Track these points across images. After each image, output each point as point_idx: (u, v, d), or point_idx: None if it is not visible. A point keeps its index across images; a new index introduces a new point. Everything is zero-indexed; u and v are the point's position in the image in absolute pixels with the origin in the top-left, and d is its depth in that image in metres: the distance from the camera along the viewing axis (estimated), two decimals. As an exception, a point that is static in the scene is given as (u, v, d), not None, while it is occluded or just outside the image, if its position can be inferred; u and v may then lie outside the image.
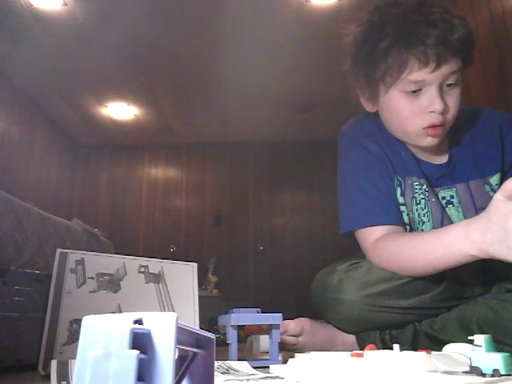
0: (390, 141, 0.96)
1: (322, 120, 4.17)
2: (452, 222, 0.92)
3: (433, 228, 0.92)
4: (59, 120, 4.23)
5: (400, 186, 0.94)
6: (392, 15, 0.87)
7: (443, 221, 0.92)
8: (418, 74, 0.84)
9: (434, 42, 0.82)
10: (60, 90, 3.74)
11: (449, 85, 0.86)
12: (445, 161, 0.96)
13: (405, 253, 0.81)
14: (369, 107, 0.97)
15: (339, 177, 1.00)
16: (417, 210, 0.93)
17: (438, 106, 0.84)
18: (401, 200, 0.93)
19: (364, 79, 0.93)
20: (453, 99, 0.87)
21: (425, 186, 0.93)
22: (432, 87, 0.85)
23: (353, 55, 0.94)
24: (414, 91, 0.86)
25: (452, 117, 0.88)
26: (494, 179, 0.93)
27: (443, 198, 0.94)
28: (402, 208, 0.93)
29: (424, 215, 0.93)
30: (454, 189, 0.94)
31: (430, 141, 0.89)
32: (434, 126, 0.86)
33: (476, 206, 0.93)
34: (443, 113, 0.85)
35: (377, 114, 0.97)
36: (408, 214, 0.93)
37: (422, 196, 0.93)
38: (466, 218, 0.92)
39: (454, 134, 0.95)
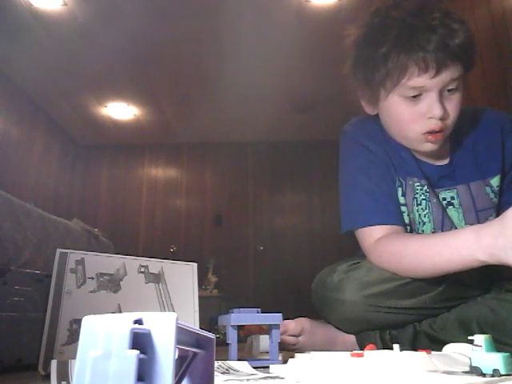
0: (391, 141, 0.96)
1: (322, 120, 4.17)
2: (453, 223, 0.92)
3: (433, 229, 0.92)
4: (59, 120, 4.23)
5: (401, 186, 0.94)
6: (392, 19, 0.86)
7: (444, 222, 0.92)
8: (417, 80, 0.83)
9: (434, 47, 0.81)
10: (60, 90, 3.74)
11: (449, 90, 0.85)
12: (446, 162, 0.95)
13: (409, 255, 0.81)
14: (369, 110, 0.97)
15: (340, 176, 1.00)
16: (417, 210, 0.93)
17: (437, 111, 0.84)
18: (402, 200, 0.93)
19: (364, 83, 0.92)
20: (453, 105, 0.86)
21: (426, 187, 0.93)
22: (432, 93, 0.84)
23: (353, 58, 0.93)
24: (413, 96, 0.85)
25: (451, 122, 0.87)
26: (495, 180, 0.93)
27: (444, 199, 0.94)
28: (403, 208, 0.93)
29: (425, 216, 0.93)
30: (455, 190, 0.94)
31: (429, 146, 0.89)
32: (433, 132, 0.86)
33: (476, 208, 0.93)
34: (443, 119, 0.85)
35: (377, 115, 0.97)
36: (409, 215, 0.93)
37: (422, 197, 0.93)
38: (466, 219, 0.92)
39: (455, 134, 0.95)
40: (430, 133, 0.86)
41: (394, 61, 0.83)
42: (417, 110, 0.86)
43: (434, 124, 0.85)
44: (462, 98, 0.87)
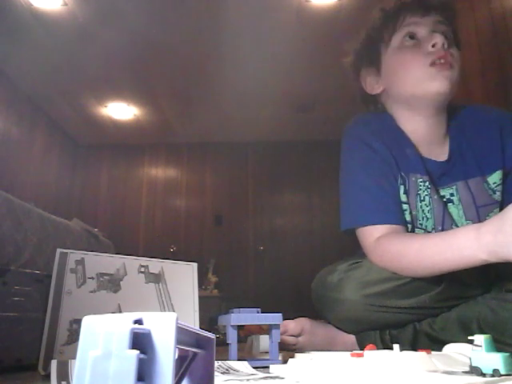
0: (394, 137, 0.96)
1: (322, 120, 4.17)
2: (453, 220, 0.93)
3: (434, 225, 0.93)
4: (59, 120, 4.23)
5: (403, 183, 0.93)
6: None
7: (444, 218, 0.92)
8: (410, 20, 0.93)
9: None
10: (60, 90, 3.74)
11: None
12: (446, 158, 0.96)
13: (410, 254, 0.81)
14: (374, 87, 1.02)
15: (342, 174, 0.99)
16: (421, 206, 0.93)
17: (437, 38, 0.89)
18: (403, 198, 0.93)
19: (366, 52, 1.01)
20: (453, 54, 0.91)
21: (427, 183, 0.93)
22: (427, 31, 0.92)
23: (355, 38, 1.04)
24: (412, 39, 0.94)
25: (456, 59, 0.92)
26: (493, 178, 0.94)
27: (443, 196, 0.94)
28: (405, 206, 0.93)
29: (428, 212, 0.93)
30: (455, 187, 0.94)
31: (440, 80, 0.89)
32: (440, 62, 0.89)
33: (476, 204, 0.93)
34: (446, 50, 0.90)
35: (380, 110, 1.00)
36: (411, 213, 0.93)
37: (425, 193, 0.93)
38: (466, 215, 0.93)
39: (454, 131, 0.96)
40: (437, 64, 0.89)
41: (387, 14, 0.96)
42: (417, 47, 0.93)
43: (439, 51, 0.89)
44: (459, 57, 0.93)
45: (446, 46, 0.89)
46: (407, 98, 0.96)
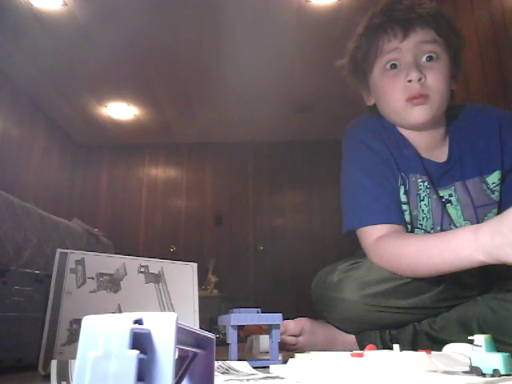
0: (394, 138, 0.96)
1: (322, 120, 4.17)
2: (451, 220, 0.93)
3: (433, 225, 0.93)
4: (59, 120, 4.23)
5: (403, 184, 0.94)
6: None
7: (443, 218, 0.93)
8: (389, 45, 0.92)
9: (400, 15, 0.91)
10: (60, 91, 3.74)
11: (428, 59, 0.91)
12: (445, 159, 0.96)
13: (408, 255, 0.81)
14: (368, 98, 1.04)
15: (343, 175, 1.00)
16: (420, 206, 0.93)
17: (413, 74, 0.89)
18: (403, 199, 0.93)
19: (356, 73, 1.02)
20: (433, 72, 0.91)
21: (426, 183, 0.93)
22: (407, 60, 0.91)
23: (347, 56, 1.03)
24: (392, 68, 0.93)
25: (436, 89, 0.91)
26: (492, 178, 0.94)
27: (442, 197, 0.94)
28: (405, 207, 0.93)
29: (428, 212, 0.93)
30: (453, 187, 0.94)
31: (417, 114, 0.91)
32: (415, 97, 0.90)
33: (474, 204, 0.93)
34: (423, 84, 0.89)
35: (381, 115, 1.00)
36: (410, 213, 0.93)
37: (424, 193, 0.93)
38: (464, 215, 0.93)
39: (453, 131, 0.96)
40: (413, 98, 0.91)
41: (368, 37, 0.95)
42: (396, 78, 0.92)
43: (414, 88, 0.90)
44: (445, 69, 0.92)
45: (423, 79, 0.90)
46: (393, 121, 0.98)
